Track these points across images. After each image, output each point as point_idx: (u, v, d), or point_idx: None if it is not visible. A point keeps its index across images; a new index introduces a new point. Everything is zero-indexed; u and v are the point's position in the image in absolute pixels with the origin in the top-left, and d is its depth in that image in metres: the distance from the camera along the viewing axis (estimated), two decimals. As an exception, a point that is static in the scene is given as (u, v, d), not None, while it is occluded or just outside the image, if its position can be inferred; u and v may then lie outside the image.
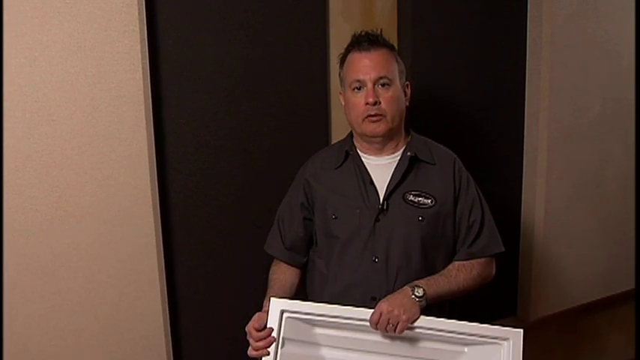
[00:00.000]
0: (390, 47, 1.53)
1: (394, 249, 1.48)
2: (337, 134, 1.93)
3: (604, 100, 2.40)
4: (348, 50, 1.53)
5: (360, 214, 1.49)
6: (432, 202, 1.50)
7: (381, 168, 1.53)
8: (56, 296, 1.60)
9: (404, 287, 1.42)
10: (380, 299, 1.39)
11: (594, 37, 2.32)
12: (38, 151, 1.53)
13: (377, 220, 1.48)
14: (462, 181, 1.54)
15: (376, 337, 1.39)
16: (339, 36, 1.89)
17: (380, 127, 1.48)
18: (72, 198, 1.58)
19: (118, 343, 1.69)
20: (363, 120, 1.49)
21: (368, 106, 1.46)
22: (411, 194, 1.50)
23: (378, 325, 1.35)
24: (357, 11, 1.97)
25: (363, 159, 1.55)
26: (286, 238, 1.60)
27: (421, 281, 1.44)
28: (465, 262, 1.52)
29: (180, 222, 1.80)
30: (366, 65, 1.47)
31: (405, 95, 1.54)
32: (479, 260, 1.53)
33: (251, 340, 1.38)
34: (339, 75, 1.57)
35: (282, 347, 1.37)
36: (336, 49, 1.82)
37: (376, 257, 1.48)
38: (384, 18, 2.01)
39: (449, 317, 1.39)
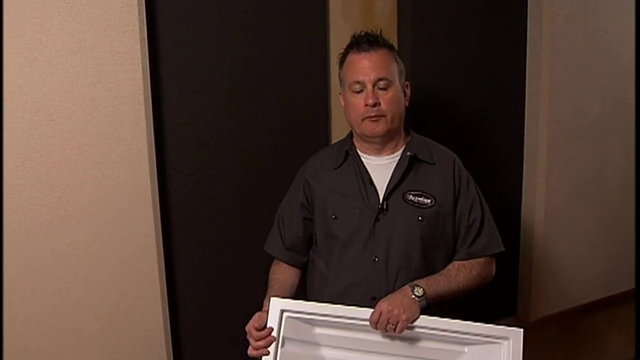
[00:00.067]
0: (390, 47, 1.53)
1: (394, 249, 1.48)
2: (337, 134, 1.93)
3: (604, 100, 2.40)
4: (348, 51, 1.53)
5: (360, 214, 1.49)
6: (431, 201, 1.50)
7: (380, 168, 1.53)
8: (56, 296, 1.60)
9: (404, 287, 1.42)
10: (380, 299, 1.40)
11: (594, 37, 2.32)
12: (38, 151, 1.53)
13: (377, 219, 1.48)
14: (461, 180, 1.54)
15: (376, 337, 1.39)
16: (339, 36, 1.89)
17: (379, 127, 1.48)
18: (72, 198, 1.58)
19: (118, 343, 1.69)
20: (363, 120, 1.49)
21: (368, 107, 1.46)
22: (410, 194, 1.50)
23: (378, 325, 1.35)
24: (357, 11, 1.97)
25: (362, 159, 1.55)
26: (286, 238, 1.60)
27: (421, 281, 1.44)
28: (464, 261, 1.52)
29: (180, 222, 1.80)
30: (366, 66, 1.47)
31: (405, 95, 1.54)
32: (479, 260, 1.53)
33: (251, 340, 1.39)
34: (339, 75, 1.57)
35: (282, 347, 1.37)
36: (336, 49, 1.82)
37: (376, 257, 1.48)
38: (384, 18, 2.02)
39: (449, 317, 1.39)
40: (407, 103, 1.55)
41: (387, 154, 1.55)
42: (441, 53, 2.10)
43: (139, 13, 1.57)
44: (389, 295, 1.40)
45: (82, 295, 1.63)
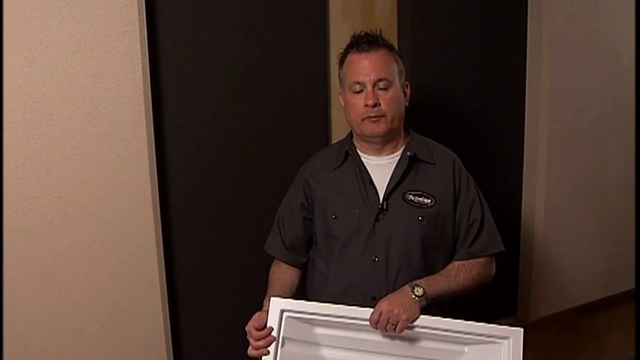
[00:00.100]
0: (390, 47, 1.53)
1: (394, 249, 1.48)
2: (337, 134, 1.93)
3: (604, 100, 2.40)
4: (348, 51, 1.53)
5: (360, 213, 1.49)
6: (431, 201, 1.50)
7: (380, 168, 1.53)
8: (56, 296, 1.60)
9: (404, 287, 1.42)
10: (380, 299, 1.40)
11: (594, 37, 2.32)
12: (38, 151, 1.53)
13: (377, 219, 1.48)
14: (461, 180, 1.54)
15: (376, 337, 1.39)
16: (339, 36, 1.89)
17: (379, 128, 1.48)
18: (72, 198, 1.58)
19: (118, 343, 1.69)
20: (363, 121, 1.49)
21: (368, 107, 1.46)
22: (410, 194, 1.50)
23: (378, 325, 1.35)
24: (357, 11, 1.97)
25: (362, 159, 1.55)
26: (286, 238, 1.60)
27: (421, 281, 1.44)
28: (464, 261, 1.52)
29: (180, 222, 1.80)
30: (366, 67, 1.47)
31: (405, 95, 1.54)
32: (479, 260, 1.53)
33: (251, 340, 1.38)
34: (339, 75, 1.57)
35: (282, 347, 1.37)
36: (336, 49, 1.82)
37: (376, 257, 1.48)
38: (384, 18, 2.02)
39: (449, 317, 1.39)
40: (407, 103, 1.55)
41: (387, 154, 1.55)
42: (441, 53, 2.10)
43: (139, 13, 1.57)
44: (389, 295, 1.40)
45: (82, 295, 1.63)
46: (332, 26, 1.93)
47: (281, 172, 1.83)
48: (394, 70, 1.50)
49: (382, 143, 1.53)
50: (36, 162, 1.53)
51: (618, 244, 2.55)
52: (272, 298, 1.40)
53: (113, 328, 1.68)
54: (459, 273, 1.50)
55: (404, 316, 1.34)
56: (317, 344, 1.41)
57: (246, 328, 1.40)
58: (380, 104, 1.46)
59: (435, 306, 1.44)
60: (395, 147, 1.55)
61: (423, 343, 1.39)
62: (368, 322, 1.36)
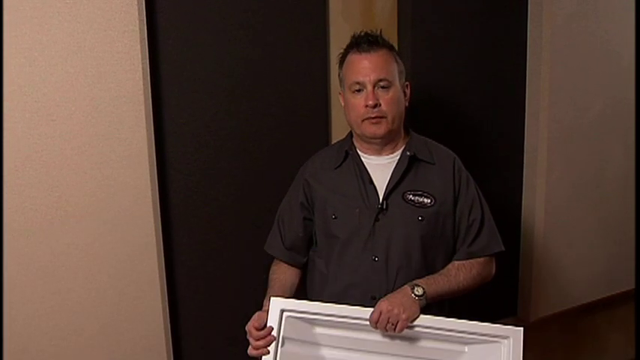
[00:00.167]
0: (390, 48, 1.53)
1: (394, 248, 1.48)
2: (337, 134, 1.93)
3: (604, 100, 2.40)
4: (348, 51, 1.53)
5: (360, 213, 1.49)
6: (431, 201, 1.50)
7: (380, 168, 1.53)
8: (56, 296, 1.60)
9: (404, 286, 1.42)
10: (380, 299, 1.40)
11: (594, 37, 2.32)
12: (38, 151, 1.53)
13: (376, 219, 1.48)
14: (461, 180, 1.54)
15: (376, 337, 1.39)
16: (339, 36, 1.89)
17: (380, 129, 1.48)
18: (72, 198, 1.58)
19: (118, 343, 1.69)
20: (363, 121, 1.49)
21: (368, 108, 1.46)
22: (410, 194, 1.50)
23: (378, 324, 1.35)
24: (357, 11, 1.97)
25: (362, 159, 1.55)
26: (286, 238, 1.60)
27: (421, 280, 1.44)
28: (464, 261, 1.52)
29: (180, 222, 1.80)
30: (366, 67, 1.47)
31: (405, 95, 1.54)
32: (479, 260, 1.53)
33: (251, 340, 1.38)
34: (339, 75, 1.57)
35: (282, 346, 1.37)
36: (336, 49, 1.82)
37: (376, 257, 1.48)
38: (384, 18, 2.02)
39: (449, 317, 1.39)
40: (407, 103, 1.55)
41: (387, 154, 1.55)
42: (441, 53, 2.10)
43: (138, 13, 1.57)
44: (389, 295, 1.40)
45: (82, 295, 1.63)
46: (332, 26, 1.93)
47: (281, 172, 1.83)
48: (394, 71, 1.50)
49: (382, 144, 1.53)
50: (36, 162, 1.53)
51: (618, 244, 2.55)
52: (272, 298, 1.40)
53: (113, 328, 1.68)
54: (459, 273, 1.50)
55: (404, 316, 1.34)
56: (317, 344, 1.41)
57: (246, 328, 1.40)
58: (380, 105, 1.46)
59: (435, 306, 1.44)
60: (395, 147, 1.55)
61: (423, 343, 1.39)
62: (368, 322, 1.36)
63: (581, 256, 2.47)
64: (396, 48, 1.66)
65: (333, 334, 1.40)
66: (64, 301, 1.61)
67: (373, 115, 1.47)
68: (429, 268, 1.50)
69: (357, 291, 1.49)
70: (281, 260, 1.61)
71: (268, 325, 1.37)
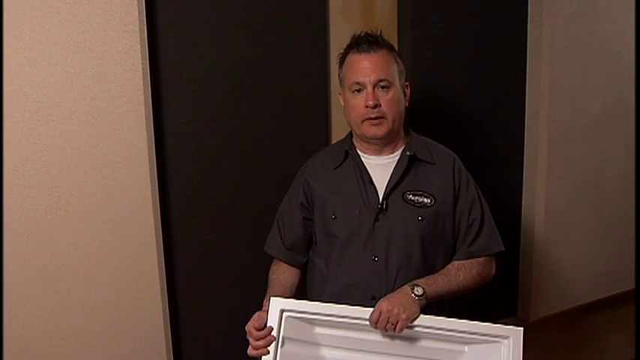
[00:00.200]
0: (390, 48, 1.53)
1: (394, 248, 1.48)
2: (337, 134, 1.93)
3: (604, 100, 2.40)
4: (348, 51, 1.53)
5: (360, 213, 1.49)
6: (431, 201, 1.50)
7: (380, 167, 1.53)
8: (56, 296, 1.60)
9: (403, 286, 1.42)
10: (380, 298, 1.39)
11: (594, 37, 2.32)
12: (38, 151, 1.53)
13: (376, 219, 1.48)
14: (461, 180, 1.54)
15: (376, 337, 1.39)
16: (339, 36, 1.89)
17: (381, 130, 1.48)
18: (72, 198, 1.58)
19: (118, 343, 1.69)
20: (363, 122, 1.49)
21: (368, 108, 1.46)
22: (410, 193, 1.50)
23: (378, 324, 1.35)
24: (357, 11, 1.97)
25: (362, 158, 1.55)
26: (286, 238, 1.60)
27: (421, 280, 1.44)
28: (464, 261, 1.52)
29: (180, 222, 1.80)
30: (366, 67, 1.47)
31: (405, 96, 1.54)
32: (479, 259, 1.53)
33: (251, 340, 1.38)
34: (339, 75, 1.57)
35: (281, 346, 1.37)
36: (336, 49, 1.82)
37: (376, 257, 1.48)
38: (384, 18, 2.02)
39: (449, 317, 1.39)
40: (407, 104, 1.55)
41: (387, 154, 1.54)
42: (441, 53, 2.10)
43: (138, 13, 1.57)
44: (389, 295, 1.40)
45: (82, 295, 1.63)
46: (332, 26, 1.93)
47: (281, 172, 1.83)
48: (394, 71, 1.50)
49: (382, 144, 1.53)
50: (36, 162, 1.53)
51: (618, 244, 2.55)
52: (272, 298, 1.40)
53: (113, 328, 1.68)
54: (459, 272, 1.50)
55: (404, 316, 1.34)
56: (317, 344, 1.41)
57: (246, 328, 1.40)
58: (380, 105, 1.46)
59: (435, 306, 1.44)
60: (395, 147, 1.55)
61: (423, 343, 1.39)
62: (368, 322, 1.36)
63: (581, 256, 2.47)
64: (396, 48, 1.66)
65: (333, 334, 1.40)
66: (64, 301, 1.61)
67: (373, 116, 1.47)
68: (428, 268, 1.50)
69: (356, 291, 1.49)
70: (281, 260, 1.61)
71: (268, 325, 1.37)
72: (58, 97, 1.53)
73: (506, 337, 1.36)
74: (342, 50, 1.55)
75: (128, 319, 1.69)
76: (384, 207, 1.49)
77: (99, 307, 1.65)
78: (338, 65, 1.57)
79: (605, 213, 2.50)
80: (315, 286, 1.58)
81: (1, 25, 1.43)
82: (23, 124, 1.50)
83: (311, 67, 1.91)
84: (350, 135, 1.60)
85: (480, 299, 1.70)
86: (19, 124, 1.50)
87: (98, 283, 1.64)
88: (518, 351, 1.35)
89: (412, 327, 1.36)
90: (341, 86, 1.56)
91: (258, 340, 1.37)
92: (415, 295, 1.38)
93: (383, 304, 1.36)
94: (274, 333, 1.37)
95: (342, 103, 1.56)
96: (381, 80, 1.46)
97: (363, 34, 1.52)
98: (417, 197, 1.50)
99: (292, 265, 1.61)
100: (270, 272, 1.60)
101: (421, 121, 1.82)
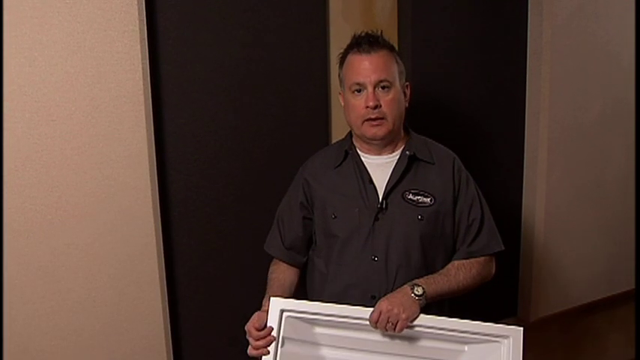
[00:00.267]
0: (390, 48, 1.52)
1: (393, 248, 1.48)
2: (337, 134, 1.93)
3: (604, 100, 2.40)
4: (348, 51, 1.52)
5: (360, 213, 1.49)
6: (431, 200, 1.50)
7: (380, 167, 1.53)
8: (56, 296, 1.60)
9: (403, 286, 1.42)
10: (379, 298, 1.39)
11: (594, 37, 2.32)
12: (38, 151, 1.53)
13: (376, 219, 1.48)
14: (461, 180, 1.54)
15: (376, 336, 1.39)
16: (339, 36, 1.89)
17: (381, 131, 1.48)
18: (72, 198, 1.58)
19: (118, 343, 1.69)
20: (363, 123, 1.49)
21: (368, 109, 1.46)
22: (410, 193, 1.50)
23: (378, 324, 1.35)
24: (357, 11, 1.97)
25: (362, 158, 1.55)
26: (286, 237, 1.60)
27: (420, 280, 1.44)
28: (464, 261, 1.52)
29: (180, 222, 1.80)
30: (366, 68, 1.47)
31: (405, 96, 1.54)
32: (478, 259, 1.53)
33: (251, 340, 1.38)
34: (339, 75, 1.56)
35: (281, 346, 1.37)
36: (336, 49, 1.82)
37: (375, 256, 1.48)
38: (384, 18, 2.02)
39: (449, 317, 1.39)
40: (407, 104, 1.55)
41: (387, 154, 1.54)
42: (441, 53, 2.10)
43: (138, 13, 1.57)
44: (389, 295, 1.40)
45: (82, 295, 1.63)
46: (332, 26, 1.93)
47: (281, 172, 1.83)
48: (394, 72, 1.49)
49: (382, 144, 1.53)
50: (36, 162, 1.53)
51: (618, 244, 2.55)
52: (272, 298, 1.40)
53: (113, 328, 1.68)
54: (459, 272, 1.50)
55: (404, 316, 1.34)
56: (317, 344, 1.41)
57: (246, 328, 1.40)
58: (380, 105, 1.46)
59: (435, 306, 1.44)
60: (395, 147, 1.55)
61: (423, 343, 1.39)
62: (368, 322, 1.36)
63: (581, 256, 2.47)
64: (396, 48, 1.66)
65: (333, 334, 1.40)
66: (64, 301, 1.61)
67: (373, 116, 1.47)
68: (428, 267, 1.50)
69: (356, 290, 1.49)
70: (280, 260, 1.61)
71: (268, 325, 1.37)
72: (58, 97, 1.53)
73: (506, 337, 1.36)
74: (342, 50, 1.55)
75: (128, 319, 1.69)
76: (384, 206, 1.49)
77: (99, 307, 1.65)
78: (338, 65, 1.57)
79: (606, 213, 2.50)
80: (314, 285, 1.58)
81: (1, 25, 1.43)
82: (23, 124, 1.50)
83: (311, 67, 1.91)
84: (350, 135, 1.60)
85: (480, 299, 1.70)
86: (19, 124, 1.50)
87: (98, 283, 1.64)
88: (518, 351, 1.35)
89: (412, 327, 1.36)
90: (341, 86, 1.56)
91: (258, 340, 1.37)
92: (415, 294, 1.38)
93: (383, 303, 1.36)
94: (274, 333, 1.37)
95: (342, 103, 1.56)
96: (381, 81, 1.46)
97: (363, 34, 1.51)
98: (416, 197, 1.50)
99: (292, 265, 1.61)
100: (270, 272, 1.60)
101: (421, 121, 1.82)
